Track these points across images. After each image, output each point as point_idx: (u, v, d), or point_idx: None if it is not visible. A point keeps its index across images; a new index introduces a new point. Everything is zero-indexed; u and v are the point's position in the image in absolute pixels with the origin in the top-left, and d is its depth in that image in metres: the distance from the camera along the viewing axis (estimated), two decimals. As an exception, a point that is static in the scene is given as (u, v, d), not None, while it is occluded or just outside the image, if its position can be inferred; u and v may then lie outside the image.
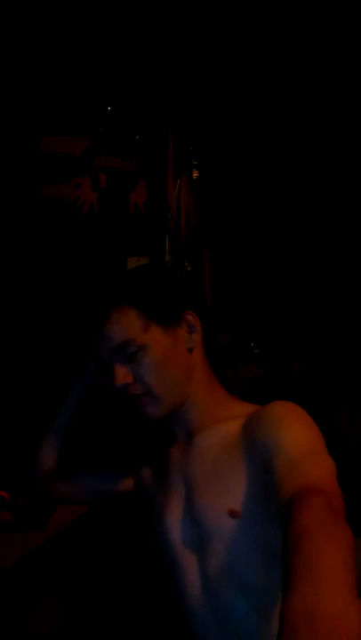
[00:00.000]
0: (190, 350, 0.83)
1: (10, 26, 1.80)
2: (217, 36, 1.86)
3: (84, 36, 1.86)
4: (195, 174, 2.08)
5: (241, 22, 1.81)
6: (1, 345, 1.87)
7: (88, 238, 2.01)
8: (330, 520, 0.54)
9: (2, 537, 1.29)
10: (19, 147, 1.98)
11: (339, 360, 1.98)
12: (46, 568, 1.18)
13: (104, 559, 1.25)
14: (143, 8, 1.77)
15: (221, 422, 0.80)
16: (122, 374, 0.78)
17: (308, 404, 0.76)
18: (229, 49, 1.90)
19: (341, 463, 0.71)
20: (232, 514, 0.71)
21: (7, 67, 1.89)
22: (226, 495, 0.73)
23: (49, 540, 1.25)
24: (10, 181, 1.95)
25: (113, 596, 1.16)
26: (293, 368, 2.06)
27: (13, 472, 1.45)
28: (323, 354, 2.02)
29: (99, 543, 1.29)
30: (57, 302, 1.93)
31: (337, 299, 2.06)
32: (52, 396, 1.01)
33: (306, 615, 0.44)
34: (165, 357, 0.79)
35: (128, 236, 2.04)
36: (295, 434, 0.68)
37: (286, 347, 2.08)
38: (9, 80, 1.91)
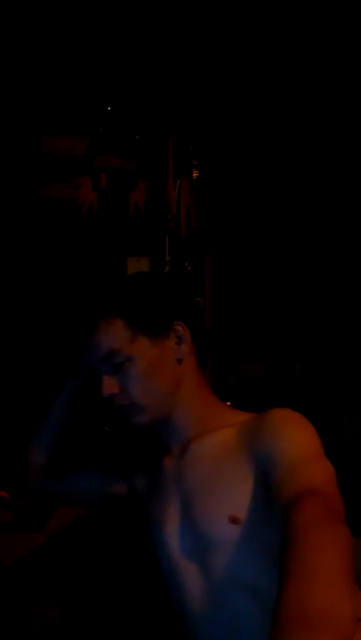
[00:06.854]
0: (179, 361, 0.83)
1: (10, 26, 1.80)
2: (217, 37, 1.86)
3: (84, 37, 1.86)
4: (195, 174, 2.08)
5: (241, 22, 1.81)
6: (1, 344, 1.87)
7: (88, 238, 2.01)
8: (325, 520, 0.54)
9: (2, 537, 1.29)
10: (20, 147, 1.98)
11: (340, 360, 1.98)
12: (46, 568, 1.19)
13: (103, 560, 1.25)
14: (143, 8, 1.77)
15: (216, 431, 0.80)
16: (108, 385, 0.79)
17: (308, 404, 0.76)
18: (229, 49, 1.90)
19: (341, 464, 0.71)
20: (233, 520, 0.71)
21: (8, 67, 1.90)
22: (226, 502, 0.73)
23: (49, 540, 1.25)
24: (11, 181, 1.96)
25: (111, 596, 1.16)
26: (294, 368, 2.06)
27: (13, 472, 1.45)
28: (324, 354, 2.02)
29: (98, 544, 1.29)
30: (56, 302, 1.94)
31: (338, 299, 2.06)
32: (50, 396, 1.02)
33: (297, 611, 0.45)
34: (151, 369, 0.80)
35: (128, 236, 2.04)
36: (295, 441, 0.69)
37: (287, 347, 2.08)
38: (10, 80, 1.91)
